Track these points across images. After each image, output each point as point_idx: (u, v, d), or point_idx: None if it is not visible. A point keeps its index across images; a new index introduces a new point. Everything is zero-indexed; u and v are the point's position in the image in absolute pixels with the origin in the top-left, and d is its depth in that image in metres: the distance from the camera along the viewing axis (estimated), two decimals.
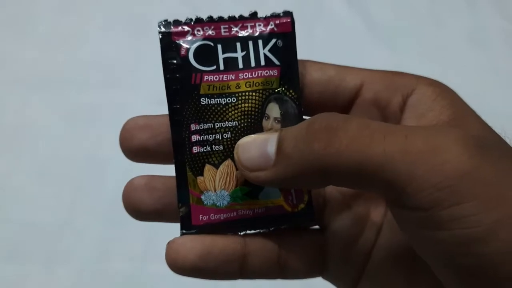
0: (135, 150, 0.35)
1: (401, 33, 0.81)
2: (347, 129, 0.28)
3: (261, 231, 0.35)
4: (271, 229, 0.35)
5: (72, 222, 0.70)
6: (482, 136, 0.29)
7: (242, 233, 0.34)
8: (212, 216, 0.34)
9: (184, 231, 0.34)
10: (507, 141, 0.31)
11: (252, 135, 0.33)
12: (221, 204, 0.34)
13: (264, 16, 0.34)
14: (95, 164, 0.73)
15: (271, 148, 0.31)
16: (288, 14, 0.34)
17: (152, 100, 0.73)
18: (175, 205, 0.34)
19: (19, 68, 0.80)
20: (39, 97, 0.77)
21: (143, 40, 0.80)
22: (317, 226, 0.36)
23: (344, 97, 0.35)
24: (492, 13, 0.83)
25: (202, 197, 0.34)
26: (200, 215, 0.34)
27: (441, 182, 0.26)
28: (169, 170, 0.35)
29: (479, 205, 0.26)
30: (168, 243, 0.34)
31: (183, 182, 0.34)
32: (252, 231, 0.35)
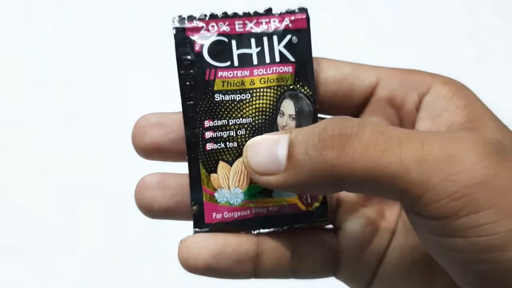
0: (147, 148, 0.34)
1: (401, 33, 0.81)
2: (361, 136, 0.28)
3: (275, 230, 0.34)
4: (284, 228, 0.34)
5: (72, 221, 0.70)
6: (499, 140, 0.29)
7: (255, 232, 0.34)
8: (225, 214, 0.34)
9: (197, 229, 0.34)
10: None
11: (261, 136, 0.32)
12: (235, 202, 0.34)
13: (279, 12, 0.34)
14: (95, 164, 0.73)
15: (282, 152, 0.30)
16: (303, 10, 0.34)
17: (152, 99, 0.73)
18: (188, 203, 0.34)
19: (19, 68, 0.79)
20: (39, 97, 0.77)
21: (143, 39, 0.80)
22: (330, 226, 0.36)
23: (359, 95, 0.35)
24: (492, 13, 0.83)
25: (216, 194, 0.34)
26: (214, 213, 0.34)
27: (457, 191, 0.26)
28: (176, 167, 0.35)
29: (496, 213, 0.25)
30: (181, 241, 0.33)
31: (196, 179, 0.34)
32: (266, 230, 0.34)
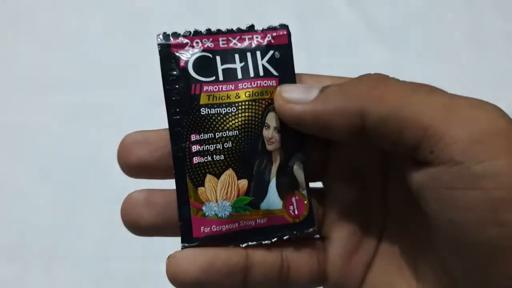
0: (133, 167, 0.35)
1: (401, 33, 0.81)
2: (394, 81, 0.29)
3: (263, 242, 0.35)
4: (273, 240, 0.35)
5: (72, 222, 0.70)
6: None
7: (243, 245, 0.34)
8: (213, 227, 0.34)
9: (185, 244, 0.33)
10: None
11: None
12: (223, 215, 0.34)
13: (261, 28, 0.35)
14: (95, 164, 0.73)
15: (316, 89, 0.31)
16: (284, 27, 0.35)
17: (152, 100, 0.73)
18: (175, 219, 0.34)
19: (20, 68, 0.80)
20: (39, 97, 0.77)
21: (143, 40, 0.79)
22: (317, 236, 0.36)
23: None
24: (492, 13, 0.83)
25: (204, 208, 0.34)
26: (202, 227, 0.34)
27: (478, 134, 0.26)
28: (164, 182, 0.35)
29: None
30: (169, 257, 0.33)
31: (184, 194, 0.34)
32: (254, 243, 0.34)
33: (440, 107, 0.27)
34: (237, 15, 0.73)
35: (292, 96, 0.32)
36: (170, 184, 0.34)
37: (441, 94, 0.29)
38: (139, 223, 0.35)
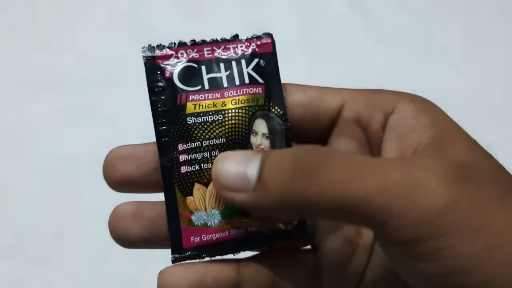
0: (119, 182, 0.34)
1: (401, 33, 0.81)
2: (329, 166, 0.28)
3: (255, 252, 0.34)
4: (265, 248, 0.34)
5: (71, 222, 0.71)
6: (463, 162, 0.29)
7: (235, 255, 0.34)
8: (203, 237, 0.33)
9: (176, 255, 0.33)
10: (494, 155, 0.31)
11: (233, 151, 0.31)
12: (213, 223, 0.33)
13: (245, 38, 0.35)
14: (95, 164, 0.73)
15: (253, 172, 0.29)
16: (268, 35, 0.35)
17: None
18: (165, 232, 0.33)
19: (19, 68, 0.80)
20: (39, 97, 0.77)
21: (143, 40, 0.80)
22: (309, 246, 0.36)
23: (325, 117, 0.35)
24: (492, 13, 0.83)
25: (193, 217, 0.33)
26: (192, 237, 0.33)
27: (420, 217, 0.26)
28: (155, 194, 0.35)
29: (458, 237, 0.26)
30: (160, 272, 0.33)
31: (173, 203, 0.33)
32: (246, 254, 0.34)
33: (377, 194, 0.27)
34: (237, 16, 0.74)
35: (229, 184, 0.30)
36: (157, 196, 0.34)
37: (375, 171, 0.28)
38: (127, 237, 0.34)
